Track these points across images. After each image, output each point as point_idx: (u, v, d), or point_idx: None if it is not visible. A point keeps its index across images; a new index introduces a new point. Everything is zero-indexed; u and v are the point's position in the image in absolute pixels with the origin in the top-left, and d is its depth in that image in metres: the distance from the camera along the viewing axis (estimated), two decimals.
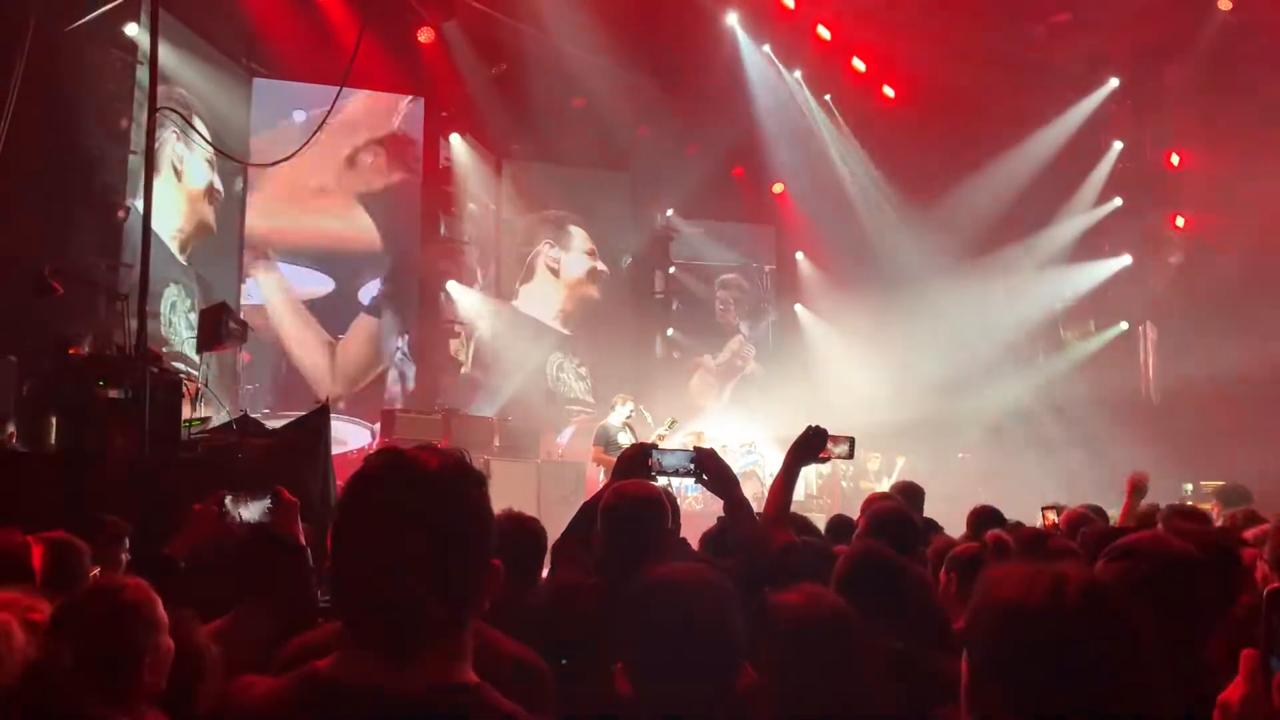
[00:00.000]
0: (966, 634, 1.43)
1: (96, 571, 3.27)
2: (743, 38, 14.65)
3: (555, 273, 15.28)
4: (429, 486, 1.41)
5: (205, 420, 6.64)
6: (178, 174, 10.81)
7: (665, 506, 2.96)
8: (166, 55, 9.91)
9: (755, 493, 12.74)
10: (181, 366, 9.58)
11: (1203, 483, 11.01)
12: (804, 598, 2.17)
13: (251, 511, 2.91)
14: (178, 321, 10.71)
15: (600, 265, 15.50)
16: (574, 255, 15.36)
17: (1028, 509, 6.93)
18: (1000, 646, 1.35)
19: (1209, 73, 13.72)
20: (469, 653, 1.42)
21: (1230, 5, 13.58)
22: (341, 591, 1.42)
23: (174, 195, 10.82)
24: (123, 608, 2.22)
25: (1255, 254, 13.50)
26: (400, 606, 1.35)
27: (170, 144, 10.53)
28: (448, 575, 1.38)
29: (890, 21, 13.41)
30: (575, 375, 15.07)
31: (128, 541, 4.02)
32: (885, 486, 12.05)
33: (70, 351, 6.12)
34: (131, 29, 9.71)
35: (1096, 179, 15.81)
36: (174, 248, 10.90)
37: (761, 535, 3.26)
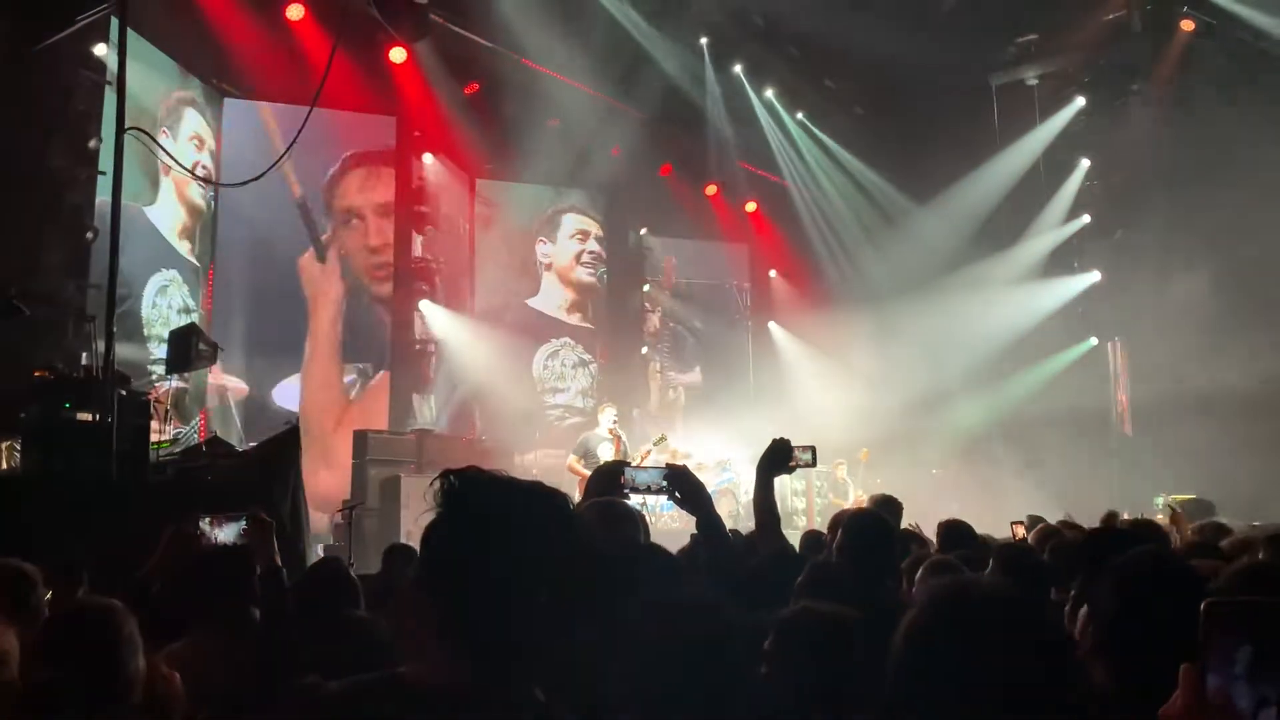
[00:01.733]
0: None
1: (48, 597, 3.23)
2: (713, 59, 14.75)
3: (549, 267, 15.33)
4: (527, 510, 1.47)
5: (174, 442, 6.58)
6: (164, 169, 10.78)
7: (638, 523, 2.96)
8: (136, 76, 9.89)
9: (730, 510, 12.77)
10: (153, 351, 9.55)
11: (1173, 497, 11.11)
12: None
13: (227, 533, 2.88)
14: (163, 304, 10.61)
15: (593, 246, 15.51)
16: (560, 245, 15.41)
17: (1000, 524, 6.98)
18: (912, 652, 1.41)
19: (1174, 90, 13.95)
20: (540, 676, 1.47)
21: (1193, 25, 13.82)
22: (430, 601, 1.45)
23: (166, 187, 10.81)
24: (109, 626, 2.20)
25: (1224, 269, 13.70)
26: (481, 623, 1.41)
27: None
28: (531, 596, 1.43)
29: (859, 40, 13.53)
30: (574, 363, 15.03)
31: (85, 573, 3.96)
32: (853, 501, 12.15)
33: (36, 374, 6.05)
34: (100, 49, 9.65)
35: (1065, 196, 16.00)
36: (173, 239, 10.90)
37: (734, 552, 3.28)
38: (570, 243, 15.49)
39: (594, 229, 15.66)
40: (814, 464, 3.93)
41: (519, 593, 1.41)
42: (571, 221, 15.54)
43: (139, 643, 2.25)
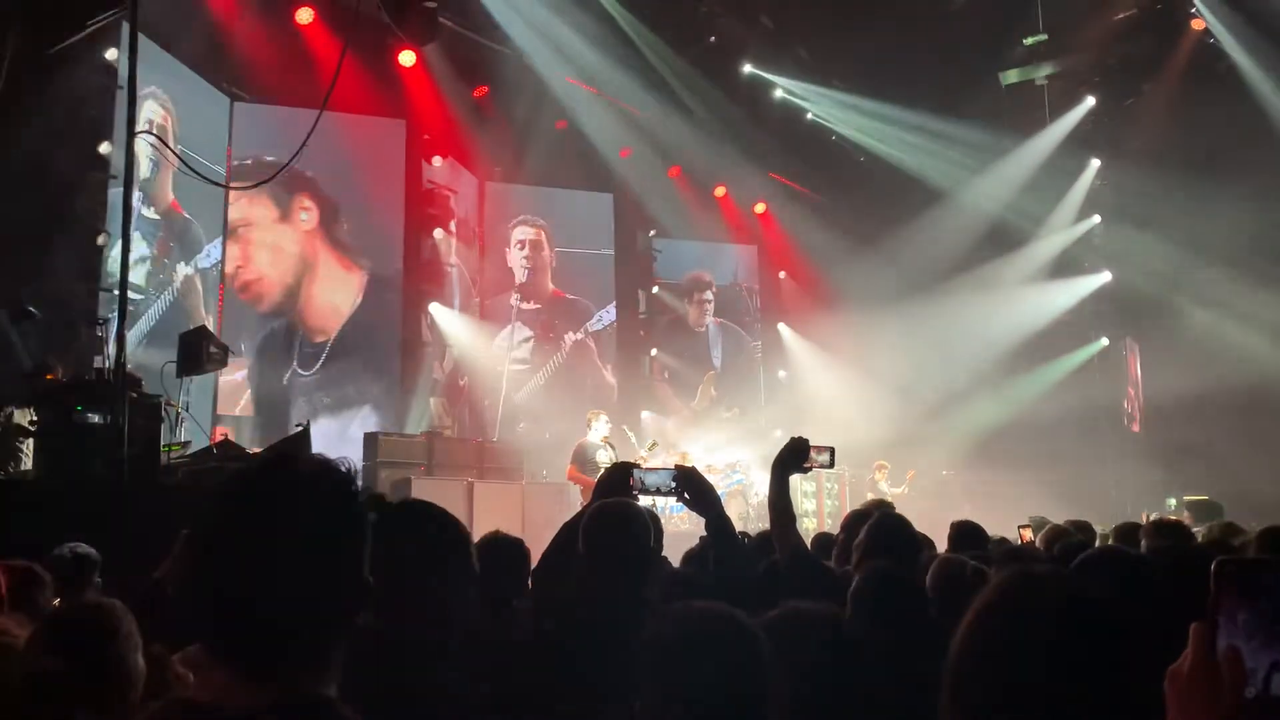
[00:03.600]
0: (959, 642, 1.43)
1: (57, 602, 3.25)
2: (723, 59, 14.75)
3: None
4: (287, 494, 1.35)
5: (185, 445, 6.60)
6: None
7: (648, 524, 2.96)
8: (147, 80, 9.93)
9: (740, 512, 12.74)
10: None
11: (1186, 497, 11.08)
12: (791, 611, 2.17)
13: None
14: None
15: (547, 253, 15.42)
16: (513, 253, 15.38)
17: (1011, 525, 6.96)
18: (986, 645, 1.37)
19: (1184, 89, 13.89)
20: (334, 672, 1.35)
21: (1203, 25, 13.77)
22: (194, 604, 1.35)
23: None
24: (109, 624, 2.21)
25: (1236, 268, 13.64)
26: (247, 620, 1.30)
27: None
28: (310, 592, 1.31)
29: (869, 42, 13.52)
30: (520, 341, 14.97)
31: (97, 572, 3.99)
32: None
33: (48, 377, 6.07)
34: (111, 54, 9.69)
35: (1075, 196, 15.96)
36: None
37: (745, 553, 3.28)
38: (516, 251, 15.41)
39: (531, 235, 15.51)
40: (831, 466, 3.81)
41: (294, 597, 1.30)
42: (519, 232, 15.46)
43: (138, 641, 2.26)
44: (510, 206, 15.17)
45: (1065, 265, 16.13)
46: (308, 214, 12.90)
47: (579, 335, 15.42)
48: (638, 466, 3.43)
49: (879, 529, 3.50)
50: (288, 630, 1.31)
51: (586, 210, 15.71)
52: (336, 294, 13.05)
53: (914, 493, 13.01)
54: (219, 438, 8.87)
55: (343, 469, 1.41)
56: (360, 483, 1.43)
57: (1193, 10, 13.64)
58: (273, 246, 12.64)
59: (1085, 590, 1.41)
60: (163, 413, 6.16)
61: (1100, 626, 1.34)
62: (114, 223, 8.92)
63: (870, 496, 13.25)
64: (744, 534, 4.70)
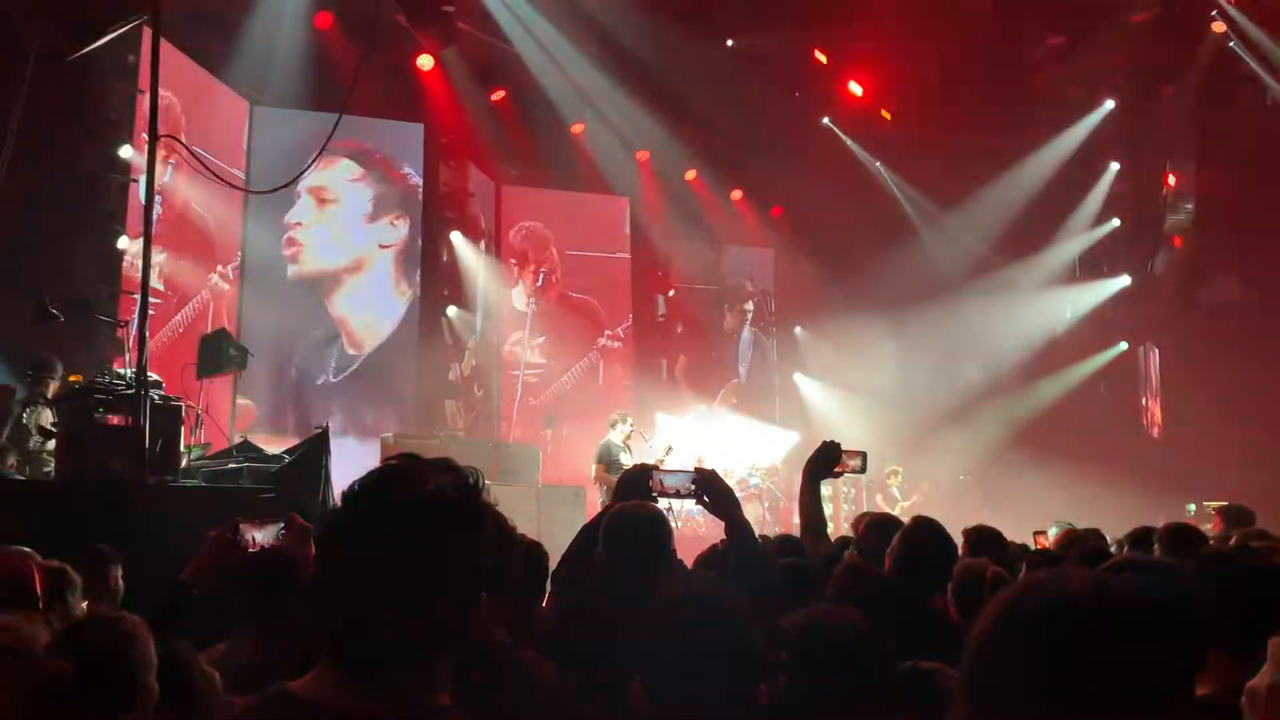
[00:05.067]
0: (976, 639, 1.41)
1: (85, 605, 3.28)
2: (738, 62, 14.74)
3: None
4: (418, 506, 1.37)
5: (206, 446, 6.63)
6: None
7: (667, 527, 2.96)
8: (167, 84, 9.99)
9: (758, 515, 12.72)
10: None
11: (1206, 503, 10.98)
12: (814, 615, 2.17)
13: (265, 536, 2.91)
14: None
15: (554, 255, 15.42)
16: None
17: (1028, 531, 6.93)
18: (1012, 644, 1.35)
19: (1205, 93, 13.81)
20: (444, 679, 1.37)
21: (1224, 27, 13.69)
22: (320, 607, 1.37)
23: None
24: (122, 637, 2.22)
25: (1257, 271, 13.55)
26: (373, 628, 1.31)
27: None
28: (428, 600, 1.33)
29: (886, 44, 13.49)
30: (534, 344, 14.96)
31: (119, 570, 4.02)
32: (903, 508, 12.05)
33: (71, 379, 6.12)
34: (132, 59, 9.76)
35: (1094, 200, 15.88)
36: None
37: (764, 556, 3.28)
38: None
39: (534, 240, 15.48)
40: (863, 471, 3.78)
41: (412, 604, 1.32)
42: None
43: (153, 661, 2.27)
44: (527, 210, 15.19)
45: (1084, 269, 16.05)
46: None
47: (597, 341, 15.42)
48: (657, 468, 3.43)
49: (914, 537, 3.48)
50: (402, 639, 1.32)
51: (603, 214, 15.71)
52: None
53: (929, 500, 12.96)
54: (238, 439, 8.92)
55: (469, 481, 1.44)
56: (484, 496, 1.45)
57: (1213, 13, 13.57)
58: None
59: (1129, 594, 1.39)
60: (183, 414, 6.19)
61: (1144, 630, 1.32)
62: (135, 225, 9.00)
63: (879, 499, 13.28)
64: (764, 537, 4.69)
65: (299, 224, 12.62)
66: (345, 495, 1.40)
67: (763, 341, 16.99)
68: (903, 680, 2.23)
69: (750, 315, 16.87)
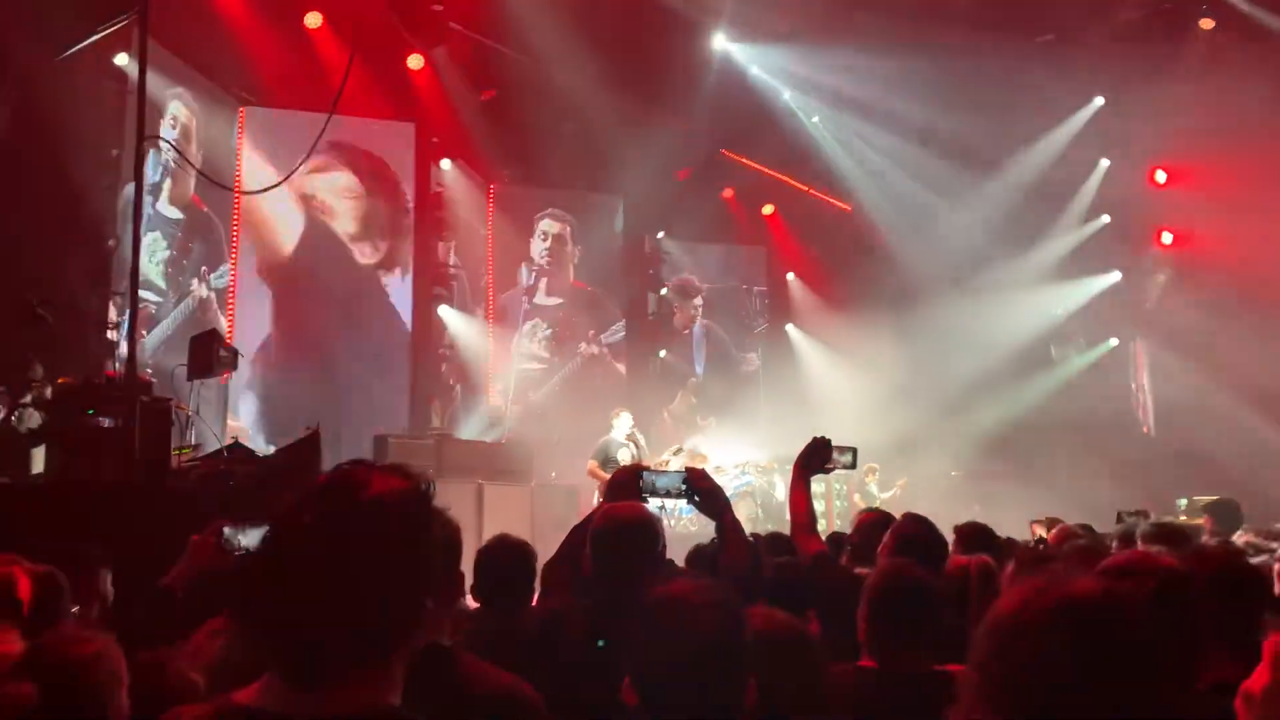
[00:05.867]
0: (979, 646, 1.41)
1: (76, 609, 3.24)
2: (735, 57, 14.73)
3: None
4: (364, 511, 1.35)
5: (196, 448, 6.62)
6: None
7: (657, 529, 2.96)
8: (156, 85, 9.97)
9: (749, 514, 12.72)
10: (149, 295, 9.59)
11: (1196, 498, 11.02)
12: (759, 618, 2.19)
13: (250, 539, 2.89)
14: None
15: (570, 248, 15.42)
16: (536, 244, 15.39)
17: (1020, 527, 6.94)
18: (1014, 651, 1.35)
19: (1193, 90, 13.83)
20: (391, 682, 1.36)
21: (1212, 24, 13.72)
22: (257, 614, 1.35)
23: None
24: (87, 657, 2.19)
25: (1243, 268, 13.58)
26: (320, 634, 1.30)
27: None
28: (375, 605, 1.32)
29: (877, 44, 13.48)
30: (540, 337, 14.95)
31: (109, 574, 4.00)
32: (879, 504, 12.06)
33: (60, 381, 6.10)
34: (121, 59, 9.73)
35: (1084, 197, 15.91)
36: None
37: (755, 556, 3.28)
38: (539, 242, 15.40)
39: (556, 229, 15.48)
40: (854, 466, 3.81)
41: (359, 609, 1.31)
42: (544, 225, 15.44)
43: (123, 678, 2.25)
44: (520, 209, 15.19)
45: (1074, 266, 16.07)
46: None
47: (596, 340, 15.43)
48: (647, 469, 3.44)
49: (906, 532, 3.49)
50: (348, 644, 1.31)
51: (595, 212, 15.72)
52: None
53: (917, 496, 12.98)
54: (230, 440, 8.89)
55: (421, 487, 1.42)
56: (433, 501, 1.44)
57: (1204, 8, 13.60)
58: None
59: (1128, 604, 1.39)
60: (173, 416, 6.18)
61: (1140, 641, 1.32)
62: (125, 227, 8.98)
63: (857, 498, 13.31)
64: (754, 535, 4.70)
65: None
66: (293, 501, 1.39)
67: (718, 335, 16.93)
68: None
69: (700, 310, 16.83)
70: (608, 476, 9.05)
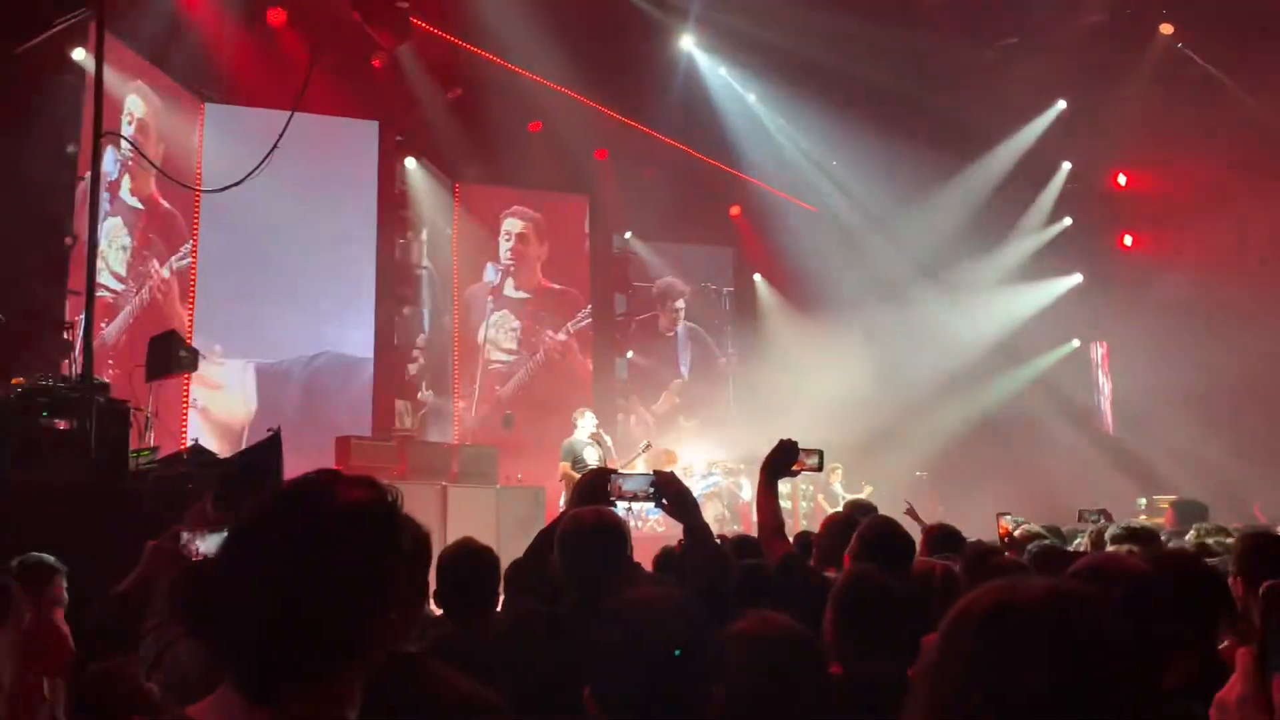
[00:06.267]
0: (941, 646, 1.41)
1: (29, 616, 3.18)
2: (699, 61, 14.76)
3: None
4: (321, 521, 1.32)
5: (154, 450, 6.50)
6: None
7: (624, 533, 2.94)
8: (115, 81, 9.81)
9: (717, 514, 12.75)
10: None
11: (1156, 497, 11.16)
12: (757, 622, 2.17)
13: (209, 545, 2.83)
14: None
15: (536, 246, 15.34)
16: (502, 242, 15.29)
17: (985, 526, 6.98)
18: (979, 652, 1.34)
19: (1154, 94, 14.02)
20: (353, 695, 1.33)
21: (1172, 30, 13.91)
22: (213, 624, 1.32)
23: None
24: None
25: (1201, 272, 13.79)
26: (267, 645, 1.27)
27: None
28: (328, 617, 1.29)
29: (842, 47, 13.54)
30: (507, 329, 14.88)
31: (64, 580, 3.91)
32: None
33: (13, 382, 5.97)
34: (79, 54, 9.57)
35: (1046, 199, 16.10)
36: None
37: (724, 558, 3.27)
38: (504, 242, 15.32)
39: (519, 228, 15.40)
40: (820, 469, 3.84)
41: (317, 620, 1.28)
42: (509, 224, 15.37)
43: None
44: (486, 208, 15.12)
45: (1036, 267, 16.24)
46: None
47: (561, 334, 15.37)
48: (616, 472, 3.42)
49: (871, 534, 3.49)
50: (306, 658, 1.28)
51: (562, 212, 15.68)
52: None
53: (875, 496, 13.05)
54: (189, 443, 8.77)
55: (387, 499, 1.39)
56: (399, 513, 1.40)
57: (1164, 12, 13.79)
58: None
59: (1081, 606, 1.39)
60: (131, 417, 6.07)
61: (1098, 645, 1.32)
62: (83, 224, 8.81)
63: (820, 498, 13.37)
64: (722, 536, 4.69)
65: None
66: (254, 508, 1.35)
67: (701, 336, 16.98)
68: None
69: (682, 313, 16.86)
70: (578, 477, 9.06)
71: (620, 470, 3.53)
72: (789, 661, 2.10)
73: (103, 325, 10.18)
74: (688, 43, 14.56)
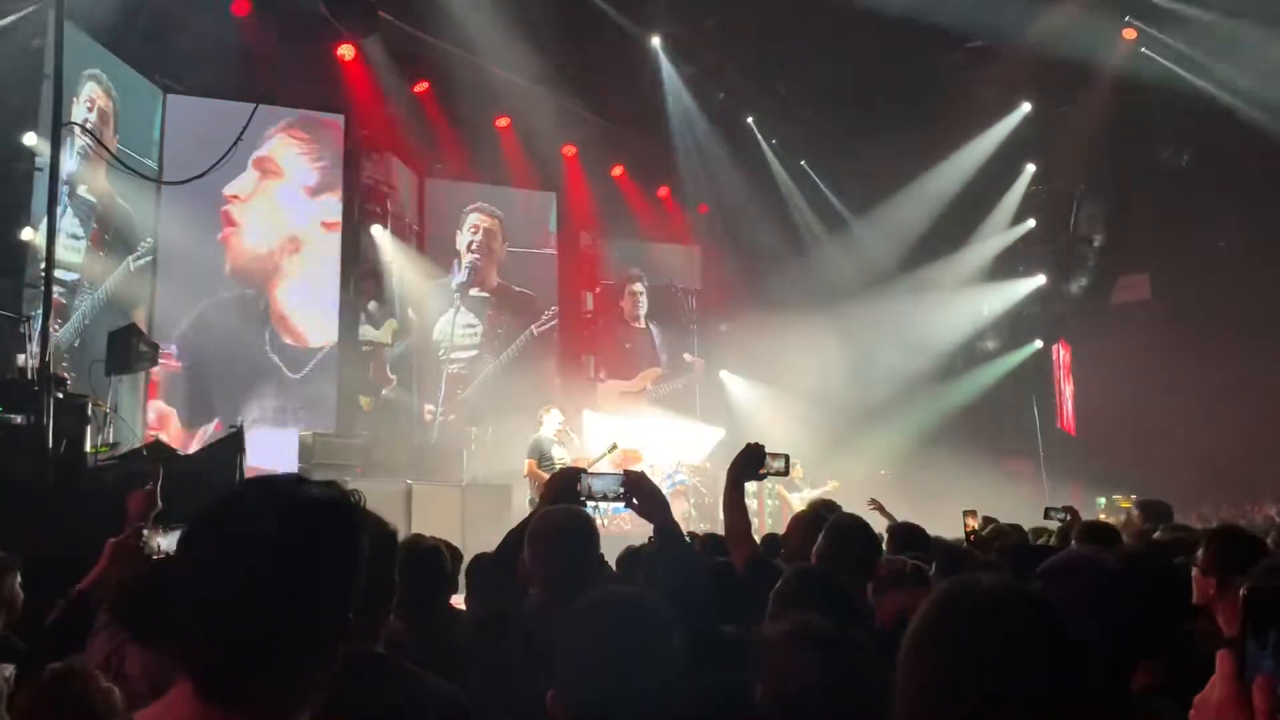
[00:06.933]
0: (911, 645, 1.41)
1: None
2: (665, 61, 14.75)
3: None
4: (279, 523, 1.30)
5: (113, 446, 6.40)
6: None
7: (594, 532, 2.93)
8: (74, 70, 9.63)
9: (683, 512, 12.76)
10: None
11: (1116, 497, 11.30)
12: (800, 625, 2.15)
13: (169, 542, 2.78)
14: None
15: (498, 244, 15.25)
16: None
17: (950, 525, 7.02)
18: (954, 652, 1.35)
19: (1117, 98, 14.20)
20: (308, 696, 1.32)
21: (1135, 34, 14.09)
22: (169, 624, 1.32)
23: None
24: None
25: (1162, 275, 13.99)
26: (224, 646, 1.26)
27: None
28: (285, 619, 1.28)
29: (809, 47, 13.60)
30: (465, 327, 14.80)
31: (16, 578, 3.83)
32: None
33: None
34: (36, 43, 9.38)
35: (1010, 201, 16.25)
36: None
37: (693, 557, 3.26)
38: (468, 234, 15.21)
39: (485, 223, 15.31)
40: (786, 473, 3.84)
41: (273, 621, 1.27)
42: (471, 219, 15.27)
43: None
44: (451, 203, 15.01)
45: (1000, 269, 16.41)
46: None
47: (525, 334, 15.29)
48: (585, 471, 3.40)
49: (838, 534, 3.49)
50: (263, 659, 1.27)
51: (529, 209, 15.60)
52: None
53: (839, 494, 13.11)
54: (150, 438, 8.65)
55: (347, 501, 1.38)
56: (359, 515, 1.39)
57: (1125, 19, 13.96)
58: None
59: (1041, 605, 1.40)
60: (90, 413, 5.97)
61: (1061, 642, 1.32)
62: (40, 216, 8.64)
63: (780, 488, 13.39)
64: (691, 534, 4.69)
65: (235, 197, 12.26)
66: (212, 507, 1.33)
67: (669, 333, 16.99)
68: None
69: (642, 296, 16.84)
70: (546, 476, 9.03)
71: (589, 470, 3.50)
72: (845, 663, 2.07)
73: (58, 324, 10.00)
74: (656, 42, 14.54)
